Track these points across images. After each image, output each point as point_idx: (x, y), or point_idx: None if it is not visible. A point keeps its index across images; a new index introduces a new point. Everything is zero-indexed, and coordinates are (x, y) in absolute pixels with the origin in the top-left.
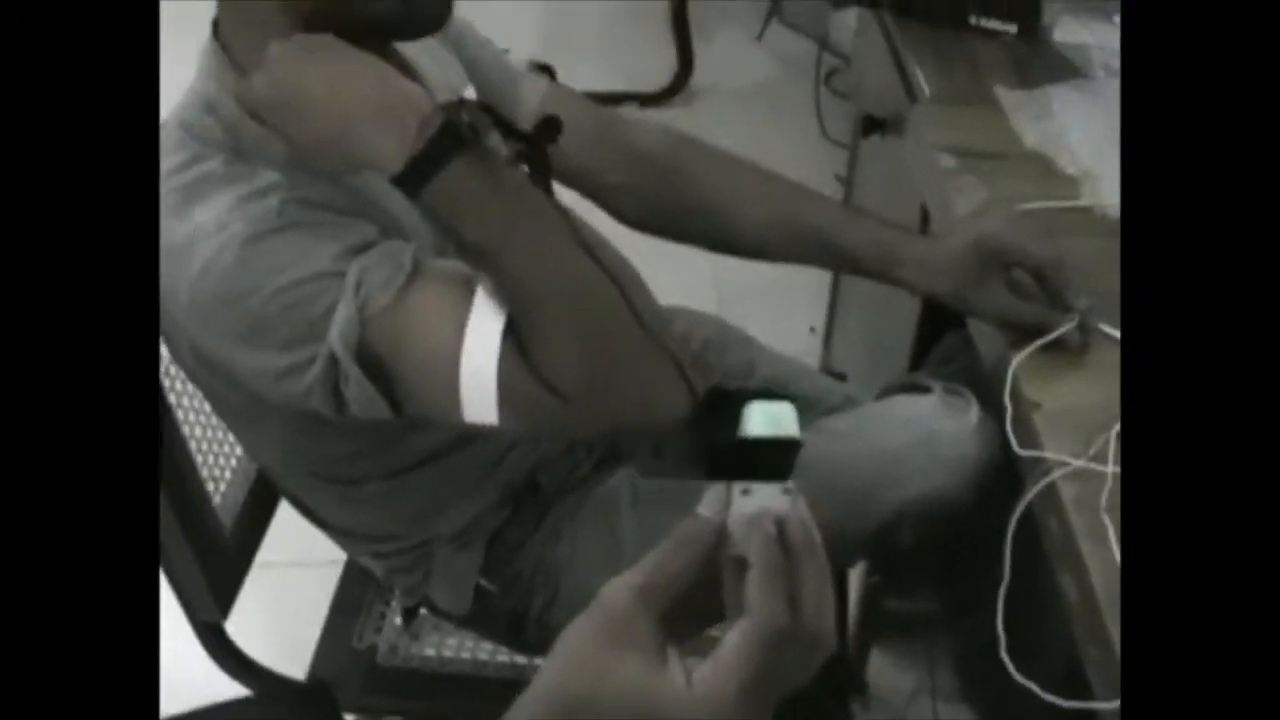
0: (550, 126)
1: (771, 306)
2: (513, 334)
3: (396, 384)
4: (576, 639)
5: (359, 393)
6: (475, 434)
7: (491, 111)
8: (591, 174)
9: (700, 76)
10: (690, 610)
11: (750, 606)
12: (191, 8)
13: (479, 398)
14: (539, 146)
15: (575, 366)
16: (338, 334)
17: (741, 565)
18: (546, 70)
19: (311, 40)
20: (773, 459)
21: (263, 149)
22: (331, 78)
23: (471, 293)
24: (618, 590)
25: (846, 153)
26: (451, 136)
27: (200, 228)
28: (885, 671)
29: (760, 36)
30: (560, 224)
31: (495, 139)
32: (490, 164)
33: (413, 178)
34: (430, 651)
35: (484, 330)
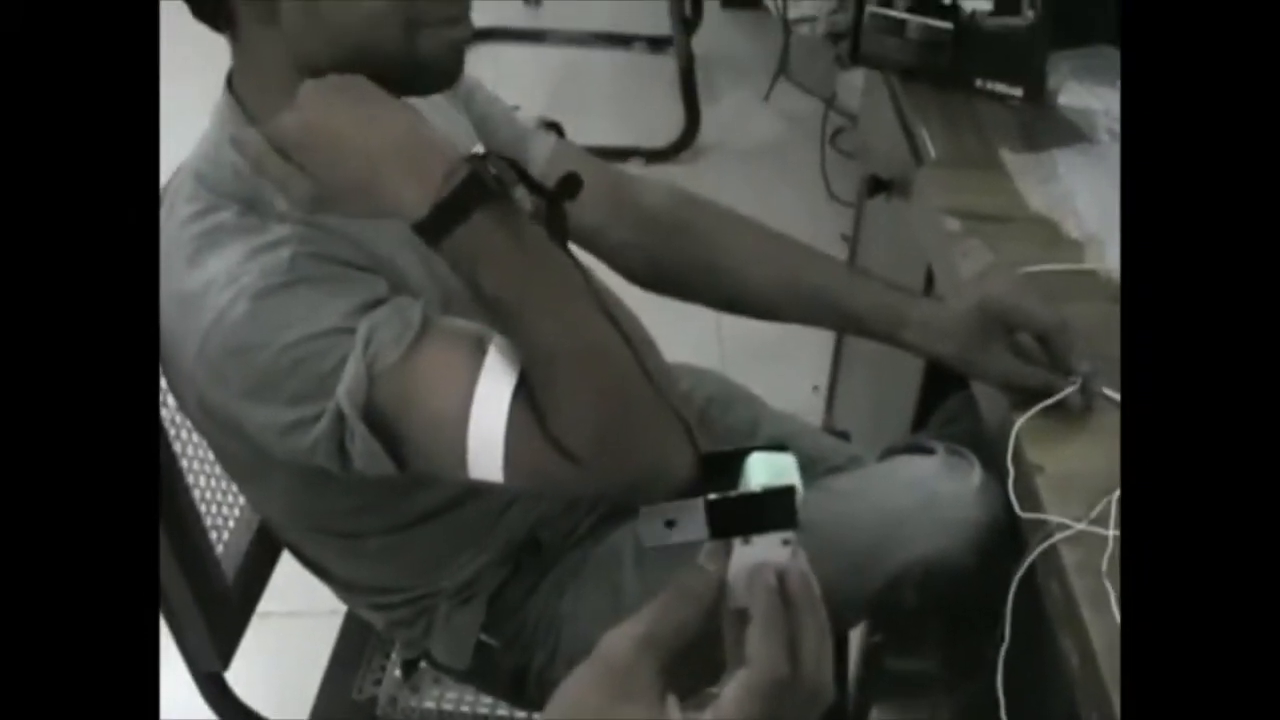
0: (571, 184)
1: (775, 365)
2: (522, 393)
3: (403, 441)
4: (577, 688)
5: (364, 449)
6: (477, 490)
7: (516, 166)
8: (598, 231)
9: (707, 134)
10: (691, 661)
11: (751, 657)
12: (190, 29)
13: (486, 456)
14: (558, 204)
15: (587, 426)
16: (345, 391)
17: (742, 617)
18: (555, 128)
19: (344, 80)
20: (773, 510)
21: (285, 185)
22: (361, 120)
23: (481, 351)
24: (618, 640)
25: (852, 212)
26: (477, 187)
27: (213, 279)
28: None
29: (768, 96)
30: (579, 282)
31: (518, 194)
32: (514, 218)
33: (435, 226)
34: (430, 704)
35: (494, 390)
